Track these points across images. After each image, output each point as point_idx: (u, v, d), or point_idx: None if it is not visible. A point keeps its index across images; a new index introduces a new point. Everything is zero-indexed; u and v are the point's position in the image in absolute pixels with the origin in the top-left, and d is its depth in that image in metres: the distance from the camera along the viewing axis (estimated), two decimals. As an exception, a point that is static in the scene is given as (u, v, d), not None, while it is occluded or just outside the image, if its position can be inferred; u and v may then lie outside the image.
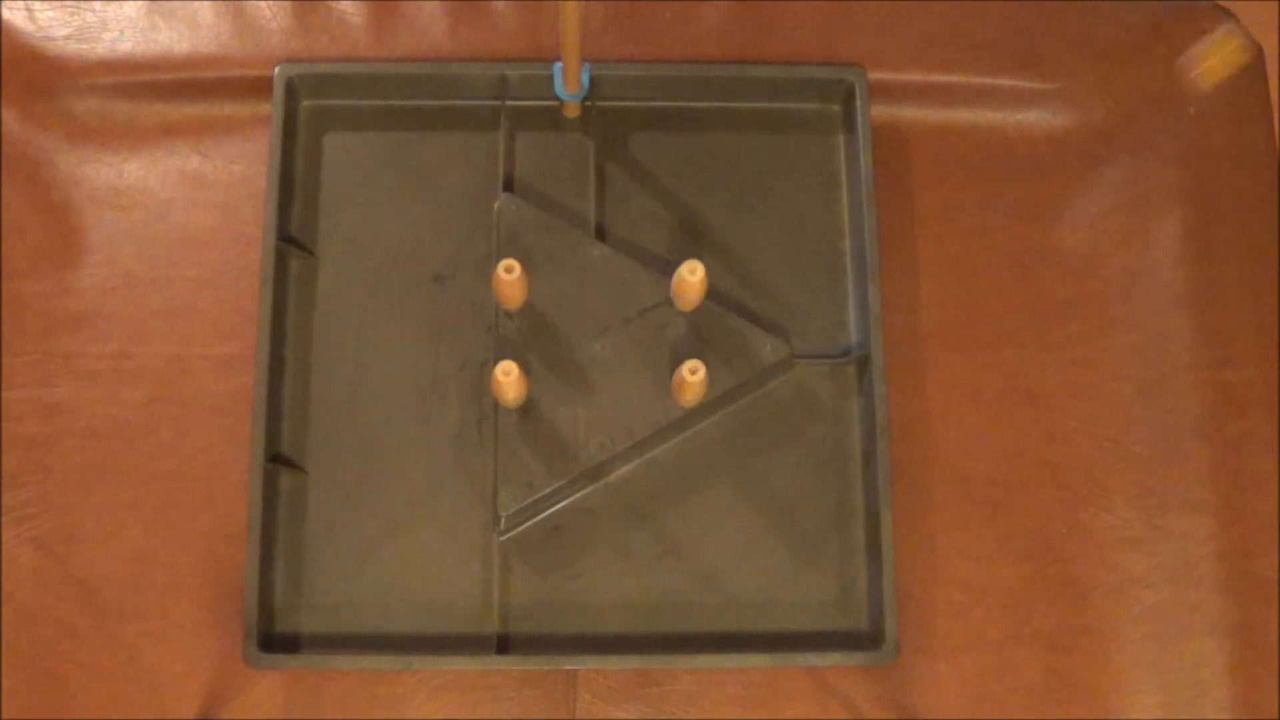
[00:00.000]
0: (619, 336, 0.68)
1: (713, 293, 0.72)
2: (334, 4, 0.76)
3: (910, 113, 0.76)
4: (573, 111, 0.74)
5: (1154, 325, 0.73)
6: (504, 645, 0.68)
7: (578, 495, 0.70)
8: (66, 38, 0.75)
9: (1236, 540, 0.70)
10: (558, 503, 0.70)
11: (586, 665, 0.68)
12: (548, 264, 0.70)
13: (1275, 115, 0.77)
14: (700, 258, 0.73)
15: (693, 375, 0.64)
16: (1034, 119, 0.76)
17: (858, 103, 0.73)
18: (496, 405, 0.68)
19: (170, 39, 0.75)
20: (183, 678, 0.67)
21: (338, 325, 0.71)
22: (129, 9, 0.76)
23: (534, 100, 0.74)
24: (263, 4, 0.76)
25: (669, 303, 0.69)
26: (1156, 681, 0.69)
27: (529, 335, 0.69)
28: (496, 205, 0.71)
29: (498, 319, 0.69)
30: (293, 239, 0.72)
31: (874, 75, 0.75)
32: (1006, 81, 0.77)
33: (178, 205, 0.74)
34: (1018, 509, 0.71)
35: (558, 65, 0.70)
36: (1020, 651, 0.69)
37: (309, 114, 0.74)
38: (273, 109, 0.72)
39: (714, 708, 0.68)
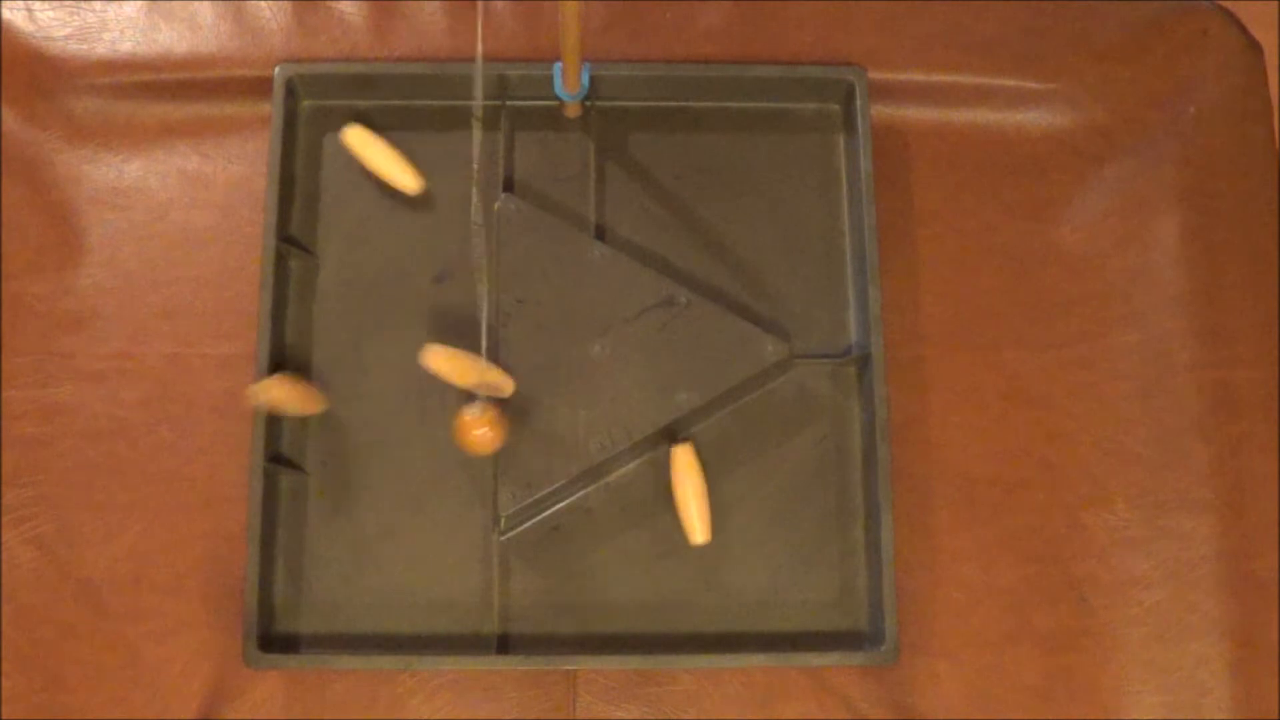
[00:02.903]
0: (619, 336, 0.68)
1: (713, 293, 0.72)
2: (334, 4, 0.76)
3: (910, 113, 0.76)
4: (573, 111, 0.74)
5: (1154, 325, 0.73)
6: (504, 645, 0.68)
7: (578, 495, 0.70)
8: (66, 38, 0.75)
9: (1236, 540, 0.70)
10: (558, 503, 0.70)
11: (586, 665, 0.68)
12: (548, 264, 0.70)
13: (1275, 115, 0.77)
14: (700, 257, 0.73)
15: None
16: (1034, 119, 0.76)
17: (858, 103, 0.73)
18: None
19: (170, 39, 0.75)
20: (183, 678, 0.67)
21: (338, 325, 0.71)
22: (129, 9, 0.76)
23: (534, 100, 0.74)
24: (263, 4, 0.76)
25: (669, 302, 0.69)
26: (1156, 681, 0.69)
27: (529, 335, 0.69)
28: (496, 205, 0.71)
29: (498, 319, 0.69)
30: (293, 239, 0.72)
31: (874, 75, 0.75)
32: (1006, 81, 0.77)
33: (178, 205, 0.74)
34: (1018, 509, 0.71)
35: (558, 65, 0.70)
36: (1020, 651, 0.69)
37: (309, 114, 0.74)
38: (273, 109, 0.72)
39: (714, 708, 0.68)
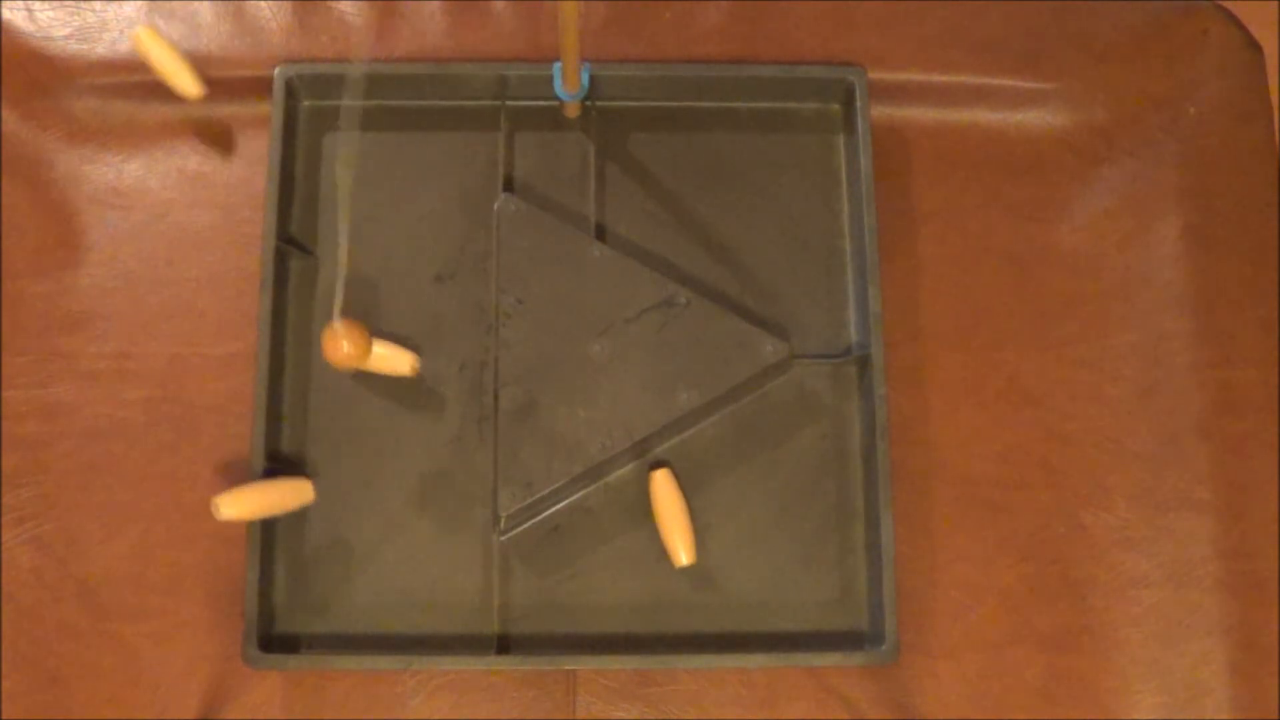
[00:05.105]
0: (619, 336, 0.68)
1: (713, 293, 0.72)
2: (334, 4, 0.76)
3: (910, 113, 0.76)
4: (573, 111, 0.74)
5: (1154, 325, 0.73)
6: (504, 645, 0.68)
7: (578, 495, 0.70)
8: (66, 38, 0.75)
9: (1236, 540, 0.70)
10: (558, 503, 0.70)
11: (586, 665, 0.68)
12: (548, 264, 0.70)
13: (1275, 115, 0.77)
14: (700, 257, 0.73)
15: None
16: (1034, 119, 0.76)
17: (858, 103, 0.73)
18: (496, 405, 0.68)
19: (170, 39, 0.75)
20: (183, 678, 0.67)
21: (338, 325, 0.71)
22: (129, 9, 0.76)
23: (534, 100, 0.74)
24: (263, 4, 0.76)
25: (669, 302, 0.69)
26: (1156, 681, 0.69)
27: (529, 335, 0.69)
28: (496, 205, 0.71)
29: (498, 319, 0.69)
30: (293, 239, 0.72)
31: (874, 75, 0.75)
32: (1006, 81, 0.77)
33: (178, 205, 0.74)
34: (1018, 509, 0.71)
35: (557, 65, 0.70)
36: (1020, 651, 0.69)
37: (309, 114, 0.74)
38: (273, 109, 0.72)
39: (714, 708, 0.68)
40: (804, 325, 0.73)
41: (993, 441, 0.72)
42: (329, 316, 0.71)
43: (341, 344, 0.64)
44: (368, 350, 0.66)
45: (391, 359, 0.68)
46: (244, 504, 0.65)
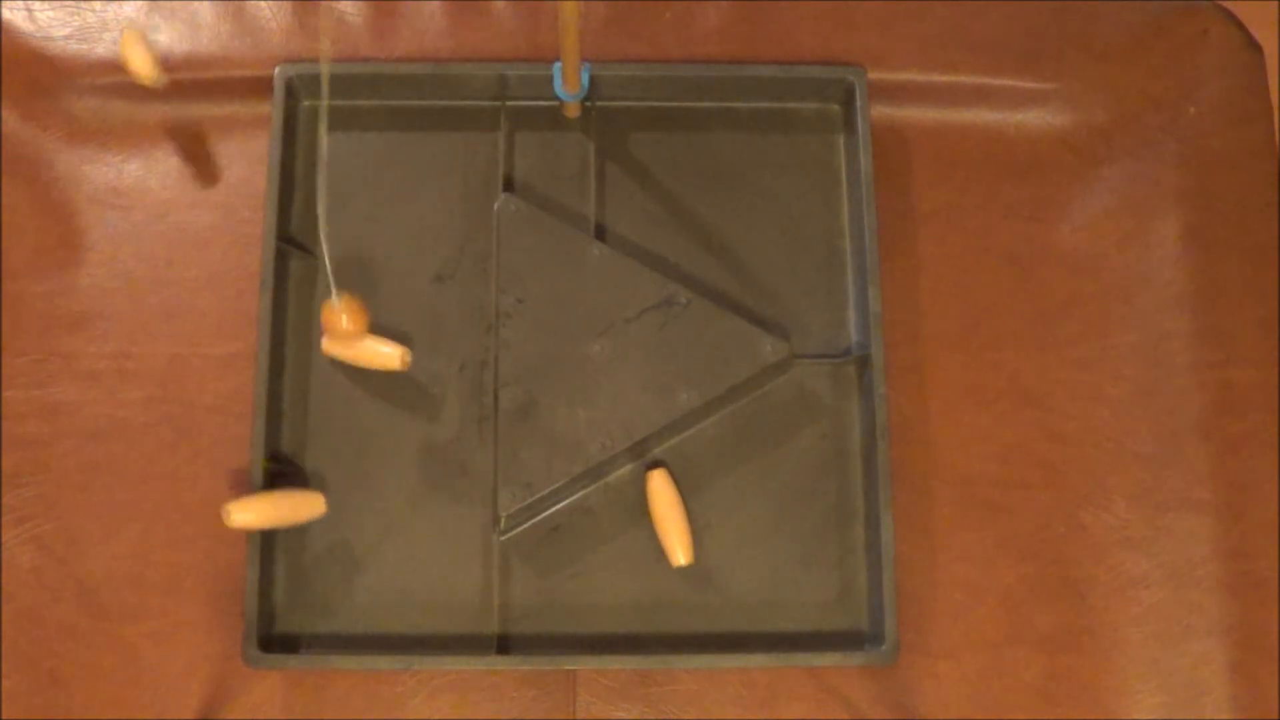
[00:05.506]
0: (619, 336, 0.68)
1: (713, 293, 0.72)
2: (334, 4, 0.76)
3: (910, 113, 0.76)
4: (573, 111, 0.74)
5: (1154, 325, 0.73)
6: (504, 645, 0.68)
7: (578, 495, 0.70)
8: (66, 38, 0.75)
9: (1236, 540, 0.70)
10: (558, 503, 0.70)
11: (586, 665, 0.68)
12: (548, 264, 0.70)
13: (1275, 115, 0.77)
14: (700, 257, 0.73)
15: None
16: (1034, 119, 0.76)
17: (858, 103, 0.73)
18: (496, 405, 0.68)
19: (170, 39, 0.75)
20: (183, 678, 0.67)
21: (338, 325, 0.71)
22: (129, 9, 0.76)
23: (534, 100, 0.74)
24: (263, 4, 0.76)
25: (669, 302, 0.69)
26: (1156, 681, 0.69)
27: (529, 335, 0.69)
28: (496, 205, 0.71)
29: (498, 319, 0.69)
30: (293, 239, 0.72)
31: (874, 75, 0.75)
32: (1006, 81, 0.77)
33: (178, 205, 0.74)
34: (1018, 509, 0.71)
35: (557, 65, 0.70)
36: (1020, 651, 0.69)
37: (309, 114, 0.74)
38: (273, 109, 0.72)
39: (714, 708, 0.68)
40: (804, 325, 0.73)
41: (993, 441, 0.72)
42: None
43: (340, 318, 0.64)
44: (365, 325, 0.65)
45: (381, 351, 0.68)
46: (255, 512, 0.65)
